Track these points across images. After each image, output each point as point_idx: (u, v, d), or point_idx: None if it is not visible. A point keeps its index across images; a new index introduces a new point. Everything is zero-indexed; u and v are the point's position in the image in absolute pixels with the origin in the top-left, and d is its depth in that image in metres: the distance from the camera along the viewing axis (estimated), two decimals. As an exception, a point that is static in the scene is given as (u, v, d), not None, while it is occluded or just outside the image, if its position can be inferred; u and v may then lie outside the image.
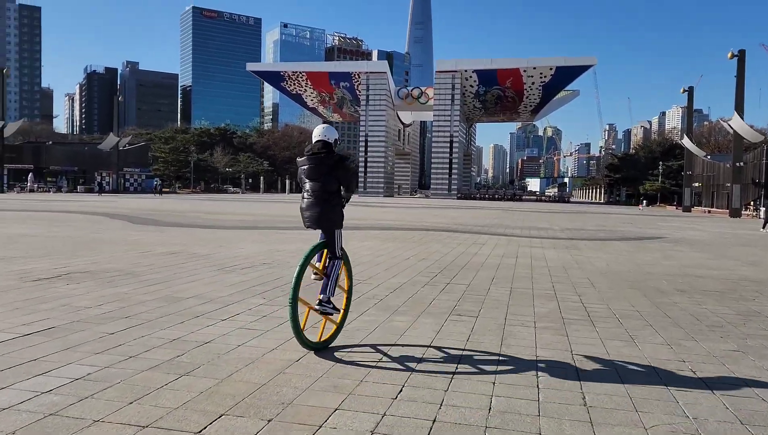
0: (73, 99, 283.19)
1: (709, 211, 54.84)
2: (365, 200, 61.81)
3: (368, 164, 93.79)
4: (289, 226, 19.01)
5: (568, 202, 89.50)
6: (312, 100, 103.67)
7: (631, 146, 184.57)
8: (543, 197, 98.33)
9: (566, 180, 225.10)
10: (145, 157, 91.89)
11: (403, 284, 8.35)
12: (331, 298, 5.02)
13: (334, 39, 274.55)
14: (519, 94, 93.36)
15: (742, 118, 44.26)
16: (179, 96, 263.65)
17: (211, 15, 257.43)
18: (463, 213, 35.34)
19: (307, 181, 5.03)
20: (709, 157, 64.25)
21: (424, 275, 9.31)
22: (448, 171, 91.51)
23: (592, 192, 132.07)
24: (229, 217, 24.00)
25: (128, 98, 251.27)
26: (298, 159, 5.14)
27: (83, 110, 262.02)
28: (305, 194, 5.05)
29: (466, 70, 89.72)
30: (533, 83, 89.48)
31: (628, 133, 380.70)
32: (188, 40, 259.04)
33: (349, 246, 12.40)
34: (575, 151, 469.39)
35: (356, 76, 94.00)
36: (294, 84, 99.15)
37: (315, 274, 5.11)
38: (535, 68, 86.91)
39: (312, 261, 5.02)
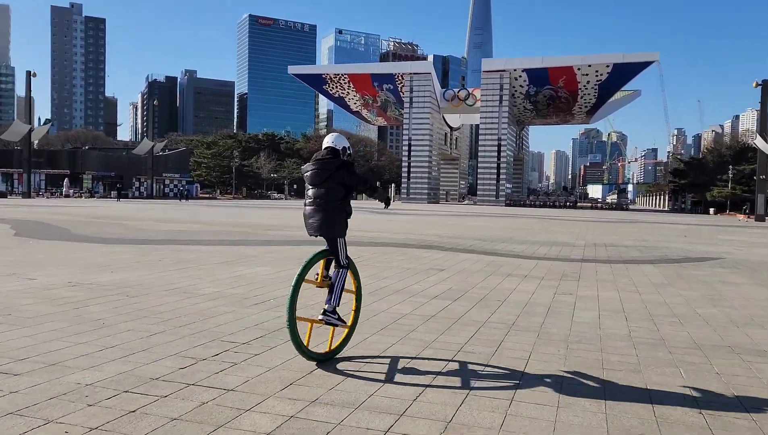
0: (136, 107, 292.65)
1: (788, 222, 47.76)
2: (393, 208, 57.80)
3: (411, 169, 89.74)
4: (247, 242, 15.27)
5: (627, 209, 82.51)
6: (355, 103, 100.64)
7: (701, 151, 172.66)
8: (598, 204, 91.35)
9: (630, 187, 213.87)
10: (186, 162, 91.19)
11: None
12: (336, 308, 4.82)
13: (389, 44, 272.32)
14: (573, 95, 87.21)
15: (766, 141, 48.04)
16: (235, 103, 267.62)
17: (266, 22, 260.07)
18: (486, 222, 30.81)
19: (310, 187, 4.84)
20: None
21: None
22: (495, 176, 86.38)
23: (657, 199, 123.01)
24: (197, 228, 20.61)
25: (186, 106, 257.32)
26: (303, 166, 4.96)
27: (144, 118, 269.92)
28: (307, 201, 4.85)
29: (515, 70, 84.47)
30: (588, 82, 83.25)
31: (698, 138, 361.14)
32: (244, 47, 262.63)
33: (230, 273, 8.54)
34: (641, 156, 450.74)
35: (399, 78, 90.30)
36: (336, 87, 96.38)
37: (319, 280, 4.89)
38: (590, 66, 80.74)
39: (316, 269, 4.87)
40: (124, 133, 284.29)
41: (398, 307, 7.06)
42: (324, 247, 4.92)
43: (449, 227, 24.74)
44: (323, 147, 4.90)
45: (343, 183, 4.75)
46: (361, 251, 13.29)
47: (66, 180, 69.20)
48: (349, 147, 4.99)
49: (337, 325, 4.82)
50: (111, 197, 65.56)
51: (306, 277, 4.67)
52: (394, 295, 7.87)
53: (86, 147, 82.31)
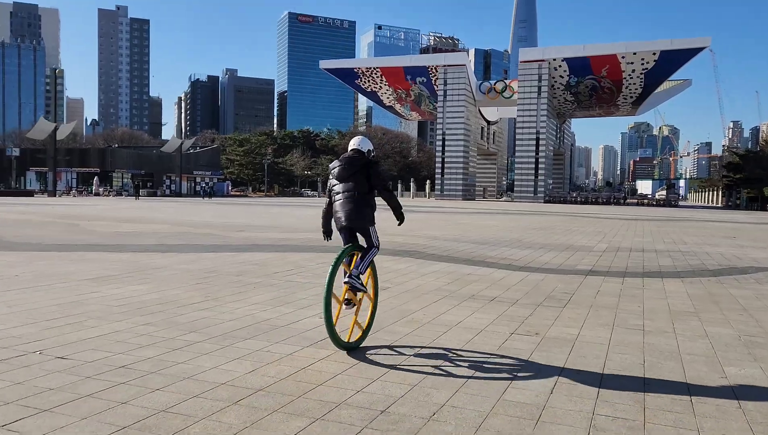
0: (180, 107, 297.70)
1: None
2: (418, 204, 55.05)
3: (445, 165, 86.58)
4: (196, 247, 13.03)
5: (676, 206, 77.39)
6: (388, 98, 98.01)
7: (758, 144, 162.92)
8: (645, 201, 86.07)
9: (681, 182, 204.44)
10: (218, 159, 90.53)
11: None
12: (361, 275, 5.07)
13: (429, 39, 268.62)
14: (617, 84, 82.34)
15: None
16: (275, 101, 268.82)
17: (306, 20, 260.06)
18: (505, 220, 27.83)
19: (338, 183, 5.11)
20: None
21: None
22: (534, 171, 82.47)
23: (710, 195, 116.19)
24: (159, 229, 18.59)
25: (227, 104, 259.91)
26: (330, 164, 5.27)
27: (188, 117, 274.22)
28: (337, 196, 5.09)
29: (554, 59, 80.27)
30: (633, 71, 78.38)
31: (756, 131, 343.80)
32: (284, 45, 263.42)
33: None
34: (694, 151, 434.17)
35: (433, 70, 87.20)
36: (369, 81, 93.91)
37: (346, 300, 5.10)
38: (635, 54, 75.93)
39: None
40: (168, 133, 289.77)
41: (277, 347, 4.70)
42: (350, 244, 5.11)
43: (456, 227, 22.00)
44: (349, 148, 5.25)
45: (368, 178, 5.05)
46: (304, 258, 10.82)
47: (96, 178, 69.11)
48: (373, 149, 5.30)
49: (358, 290, 5.04)
50: (130, 195, 65.04)
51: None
52: (273, 332, 5.42)
53: (116, 145, 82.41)
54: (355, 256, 5.16)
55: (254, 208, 36.80)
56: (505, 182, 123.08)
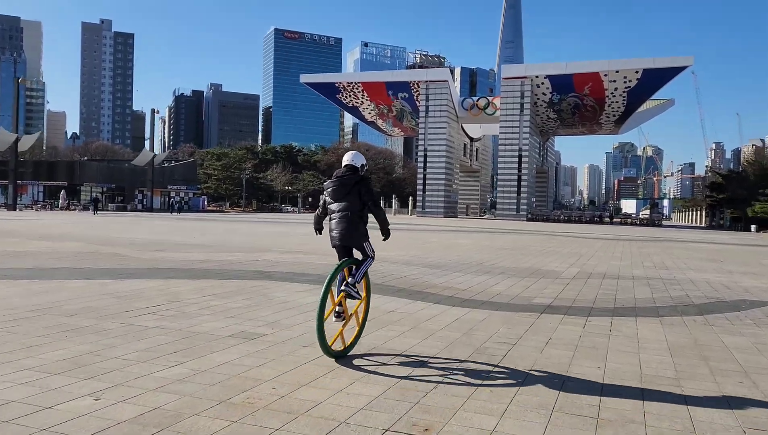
0: (164, 121, 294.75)
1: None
2: (402, 221, 53.01)
3: (427, 181, 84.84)
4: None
5: (660, 225, 76.12)
6: (370, 113, 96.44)
7: (740, 164, 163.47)
8: (628, 220, 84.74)
9: (665, 201, 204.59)
10: (194, 174, 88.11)
11: None
12: (357, 284, 5.27)
13: (415, 57, 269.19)
14: (600, 103, 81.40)
15: None
16: (260, 117, 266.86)
17: (292, 36, 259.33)
18: (476, 239, 25.84)
19: (332, 202, 5.34)
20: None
21: None
22: (516, 189, 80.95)
23: (693, 215, 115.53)
24: (63, 248, 16.37)
25: (211, 119, 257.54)
26: (325, 183, 5.49)
27: (171, 132, 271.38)
28: (333, 216, 5.33)
29: (537, 76, 79.17)
30: (616, 89, 77.44)
31: (737, 153, 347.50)
32: (270, 61, 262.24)
33: None
34: (678, 171, 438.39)
35: (415, 86, 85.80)
36: (350, 96, 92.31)
37: (336, 312, 5.23)
38: (617, 72, 74.97)
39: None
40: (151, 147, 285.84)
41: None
42: (345, 259, 5.36)
43: (421, 247, 19.97)
44: (343, 164, 5.45)
45: (359, 196, 5.25)
46: (194, 287, 8.69)
47: (62, 192, 66.41)
48: (366, 163, 5.50)
49: (354, 297, 5.27)
50: (108, 210, 62.43)
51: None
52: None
53: (85, 157, 79.71)
54: (351, 268, 5.36)
55: (214, 225, 34.57)
56: (489, 200, 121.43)
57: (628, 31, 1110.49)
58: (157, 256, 14.08)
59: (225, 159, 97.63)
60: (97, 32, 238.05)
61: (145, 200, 75.02)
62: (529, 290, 9.93)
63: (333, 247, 5.35)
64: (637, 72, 74.09)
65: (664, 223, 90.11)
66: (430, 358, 5.34)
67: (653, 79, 74.43)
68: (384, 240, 5.65)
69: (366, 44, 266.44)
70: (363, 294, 5.49)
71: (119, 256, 14.00)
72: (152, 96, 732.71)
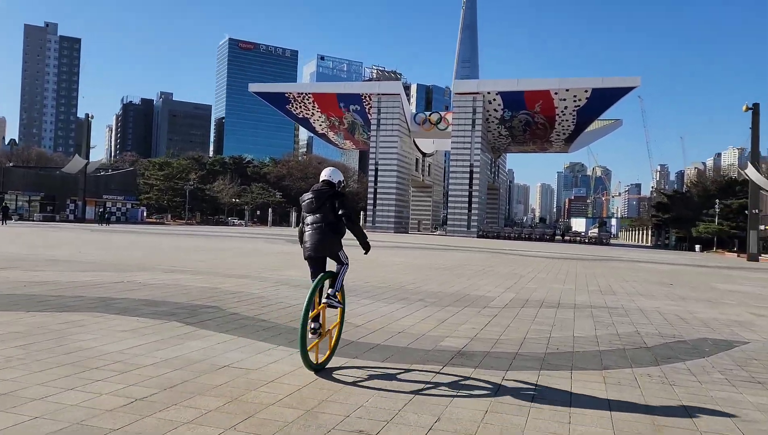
0: (110, 130, 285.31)
1: (786, 262, 41.41)
2: (346, 237, 50.82)
3: (378, 196, 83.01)
4: None
5: (607, 244, 76.25)
6: (321, 125, 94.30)
7: (684, 185, 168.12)
8: (577, 238, 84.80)
9: (613, 221, 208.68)
10: (133, 183, 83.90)
11: None
12: (338, 294, 5.42)
13: (372, 72, 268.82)
14: (550, 121, 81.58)
15: (758, 170, 43.87)
16: (212, 128, 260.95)
17: (247, 47, 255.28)
18: (415, 257, 23.95)
19: (308, 214, 5.49)
20: (781, 192, 51.28)
21: None
22: (467, 205, 79.92)
23: (640, 234, 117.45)
24: None
25: (160, 128, 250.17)
26: (301, 197, 5.58)
27: (118, 140, 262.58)
28: (306, 228, 5.47)
29: (489, 93, 78.70)
30: (566, 108, 77.64)
31: (681, 175, 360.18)
32: (223, 71, 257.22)
33: None
34: (625, 191, 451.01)
35: (367, 99, 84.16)
36: (300, 107, 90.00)
37: (312, 328, 5.28)
38: (567, 90, 75.15)
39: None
40: (97, 155, 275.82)
41: None
42: (323, 273, 5.45)
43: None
44: (321, 179, 5.67)
45: (333, 209, 5.36)
46: (46, 317, 6.34)
47: (-18, 200, 61.62)
48: (343, 180, 5.69)
49: (336, 307, 5.48)
50: (34, 220, 58.04)
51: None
52: None
53: (10, 164, 74.68)
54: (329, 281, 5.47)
55: (129, 237, 31.62)
56: (441, 216, 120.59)
57: (582, 56, 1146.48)
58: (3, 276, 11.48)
59: (168, 169, 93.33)
60: (41, 36, 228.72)
61: (77, 210, 70.66)
62: (443, 326, 7.91)
63: (305, 258, 5.47)
64: (586, 91, 74.44)
65: (612, 241, 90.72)
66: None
67: (602, 99, 74.95)
68: (365, 253, 5.78)
69: (322, 57, 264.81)
70: (342, 305, 5.58)
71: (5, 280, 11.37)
72: (100, 104, 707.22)
